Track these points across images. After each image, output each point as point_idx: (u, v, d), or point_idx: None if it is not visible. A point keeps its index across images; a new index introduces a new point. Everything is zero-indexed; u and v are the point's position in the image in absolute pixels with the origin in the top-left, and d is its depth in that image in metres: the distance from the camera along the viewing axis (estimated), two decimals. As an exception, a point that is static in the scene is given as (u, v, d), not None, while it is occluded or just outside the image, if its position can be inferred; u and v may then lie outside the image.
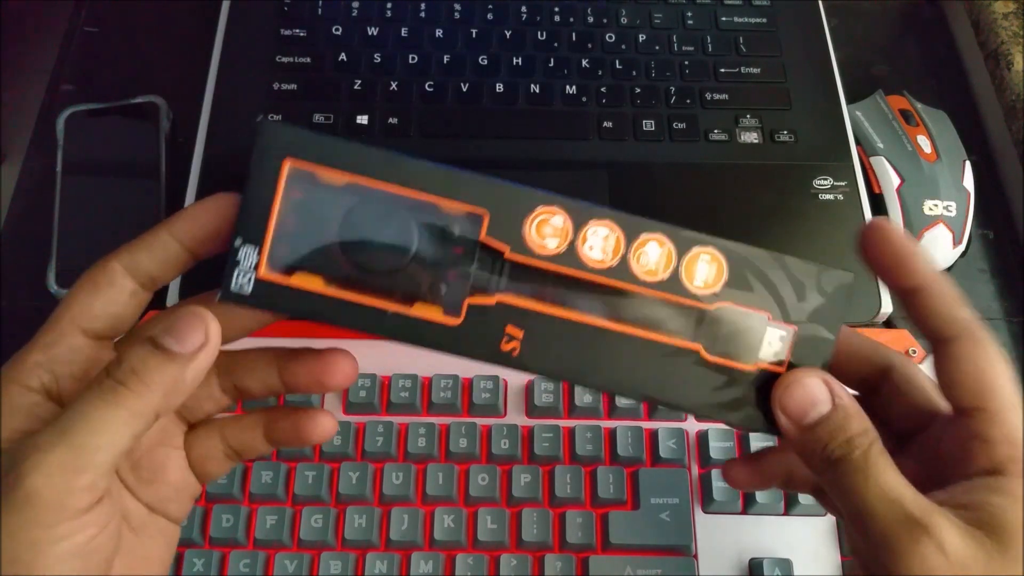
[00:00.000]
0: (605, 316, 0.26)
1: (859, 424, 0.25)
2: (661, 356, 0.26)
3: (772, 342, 0.27)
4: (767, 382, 0.27)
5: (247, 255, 0.25)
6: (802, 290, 0.26)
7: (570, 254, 0.26)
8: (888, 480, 0.24)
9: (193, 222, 0.26)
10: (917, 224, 0.48)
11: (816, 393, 0.26)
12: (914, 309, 0.27)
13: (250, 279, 0.25)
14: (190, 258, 0.26)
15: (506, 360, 0.26)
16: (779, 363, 0.27)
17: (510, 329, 0.26)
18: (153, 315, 0.27)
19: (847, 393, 0.26)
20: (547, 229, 0.26)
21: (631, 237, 0.26)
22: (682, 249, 0.26)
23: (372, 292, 0.26)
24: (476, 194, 0.26)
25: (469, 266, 0.26)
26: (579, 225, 0.26)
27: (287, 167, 0.25)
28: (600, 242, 0.26)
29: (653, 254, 0.26)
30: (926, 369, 0.30)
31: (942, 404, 0.28)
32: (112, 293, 0.26)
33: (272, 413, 0.30)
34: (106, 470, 0.23)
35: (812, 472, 0.26)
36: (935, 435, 0.28)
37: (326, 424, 0.29)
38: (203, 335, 0.24)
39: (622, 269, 0.26)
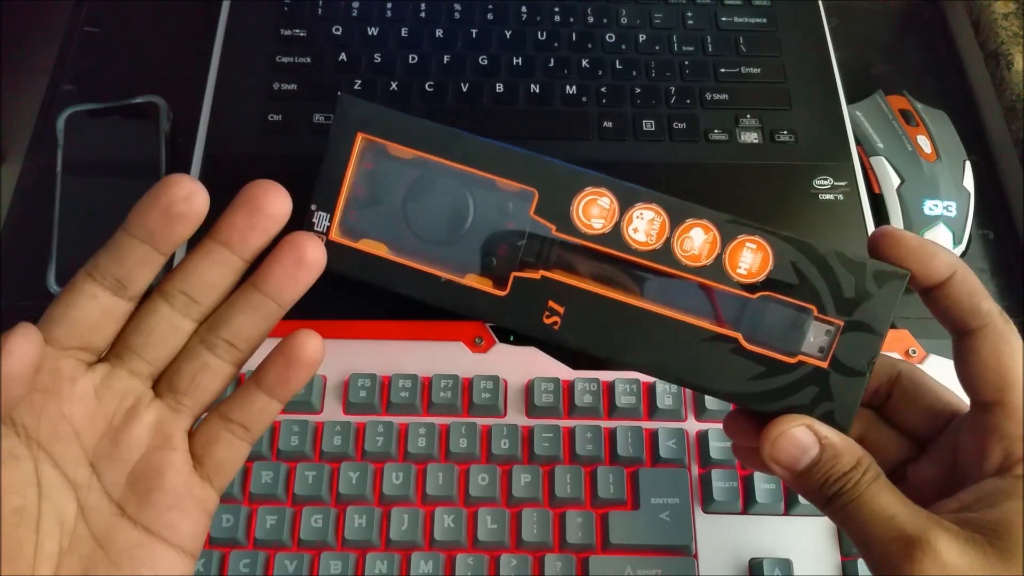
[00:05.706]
0: (645, 297, 0.27)
1: (849, 459, 0.26)
2: (699, 341, 0.27)
3: (817, 335, 0.27)
4: (808, 375, 0.27)
5: (320, 220, 0.27)
6: (851, 285, 0.27)
7: (615, 235, 0.27)
8: (882, 502, 0.25)
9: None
10: (917, 224, 0.48)
11: (803, 440, 0.26)
12: (935, 302, 0.27)
13: (322, 241, 0.27)
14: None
15: (546, 333, 0.27)
16: (823, 357, 0.27)
17: (552, 304, 0.27)
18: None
19: (832, 432, 0.26)
20: (594, 210, 0.27)
21: (676, 222, 0.27)
22: (727, 237, 0.27)
23: (429, 261, 0.28)
24: (528, 172, 0.27)
25: (518, 241, 0.27)
26: (625, 207, 0.27)
27: (360, 140, 0.27)
28: (645, 225, 0.27)
29: (697, 239, 0.27)
30: (927, 369, 0.30)
31: (955, 403, 0.29)
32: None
33: (260, 367, 0.27)
34: None
35: (816, 507, 0.27)
36: (952, 434, 0.27)
37: (312, 343, 0.27)
38: None
39: (665, 252, 0.27)
